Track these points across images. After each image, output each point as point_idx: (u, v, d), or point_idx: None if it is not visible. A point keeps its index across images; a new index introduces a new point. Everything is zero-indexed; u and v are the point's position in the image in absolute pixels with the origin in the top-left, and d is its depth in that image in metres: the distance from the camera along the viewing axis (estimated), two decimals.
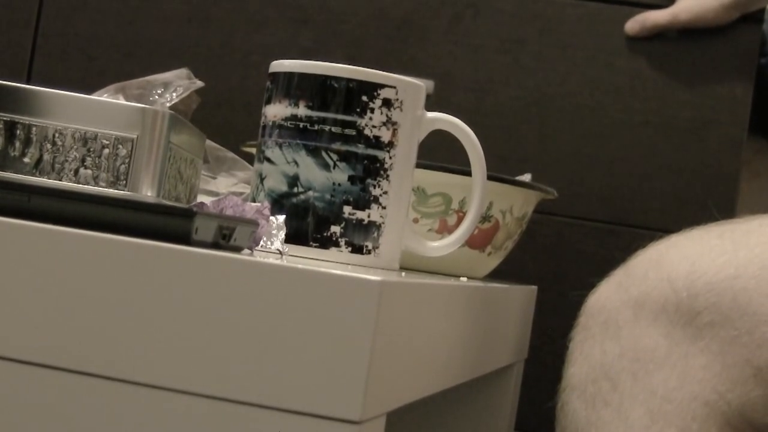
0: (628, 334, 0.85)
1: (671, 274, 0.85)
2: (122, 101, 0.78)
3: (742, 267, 0.83)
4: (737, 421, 0.82)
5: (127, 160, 0.68)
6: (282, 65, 0.76)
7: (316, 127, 0.73)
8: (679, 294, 0.84)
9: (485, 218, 0.96)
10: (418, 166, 0.80)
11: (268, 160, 0.75)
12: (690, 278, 0.84)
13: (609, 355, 0.86)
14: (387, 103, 0.74)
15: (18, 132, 0.68)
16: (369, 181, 0.74)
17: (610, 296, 0.88)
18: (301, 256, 0.72)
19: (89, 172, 0.68)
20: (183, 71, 0.93)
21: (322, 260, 0.72)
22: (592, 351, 0.87)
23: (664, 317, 0.84)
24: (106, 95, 0.89)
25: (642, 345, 0.84)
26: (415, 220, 0.93)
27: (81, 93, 0.69)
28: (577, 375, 0.87)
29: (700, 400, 0.82)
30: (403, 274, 0.75)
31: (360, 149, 0.73)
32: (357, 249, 0.74)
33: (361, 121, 0.74)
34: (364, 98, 0.74)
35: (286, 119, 0.74)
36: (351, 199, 0.73)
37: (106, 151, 0.68)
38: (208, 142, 0.96)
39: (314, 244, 0.73)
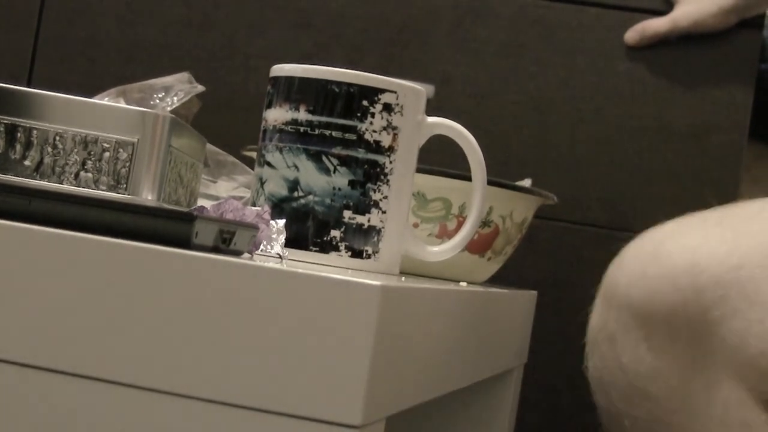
0: (631, 348, 0.84)
1: (672, 270, 0.83)
2: (123, 105, 0.78)
3: (746, 256, 0.80)
4: None
5: (127, 164, 0.68)
6: (283, 69, 0.76)
7: (316, 132, 0.73)
8: (685, 293, 0.81)
9: (485, 223, 0.96)
10: (418, 170, 0.80)
11: (269, 164, 0.75)
12: (692, 272, 0.82)
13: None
14: (387, 107, 0.74)
15: (19, 135, 0.68)
16: (369, 185, 0.74)
17: (605, 313, 0.86)
18: (301, 261, 0.72)
19: (90, 175, 0.68)
20: (184, 75, 0.93)
21: (322, 265, 0.72)
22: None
23: (673, 320, 0.82)
24: (107, 99, 0.90)
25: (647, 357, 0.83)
26: (415, 225, 0.93)
27: (82, 96, 0.69)
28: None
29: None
30: (403, 278, 0.75)
31: (360, 154, 0.73)
32: (357, 253, 0.74)
33: (362, 126, 0.74)
34: (365, 103, 0.74)
35: (286, 123, 0.74)
36: (351, 204, 0.73)
37: (107, 154, 0.68)
38: (209, 146, 0.96)
39: (314, 249, 0.73)
